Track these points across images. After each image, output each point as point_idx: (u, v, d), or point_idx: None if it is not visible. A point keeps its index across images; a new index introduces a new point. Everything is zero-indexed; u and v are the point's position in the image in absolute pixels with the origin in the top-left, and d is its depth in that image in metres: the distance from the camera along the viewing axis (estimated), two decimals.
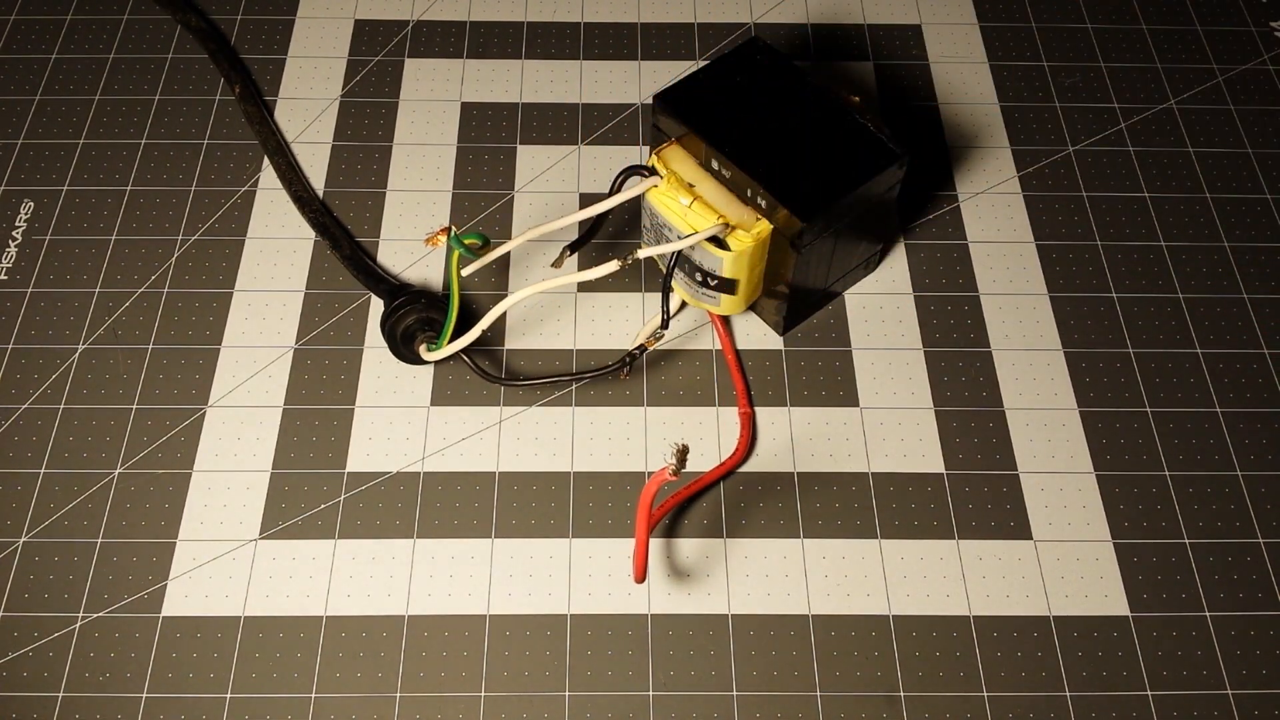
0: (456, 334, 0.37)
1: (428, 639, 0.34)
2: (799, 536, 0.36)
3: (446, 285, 0.38)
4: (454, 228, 0.36)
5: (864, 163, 0.37)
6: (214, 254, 0.42)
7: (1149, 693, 0.34)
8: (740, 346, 0.40)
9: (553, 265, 0.39)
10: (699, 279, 0.38)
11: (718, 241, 0.36)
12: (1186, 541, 0.37)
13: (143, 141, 0.45)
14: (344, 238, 0.42)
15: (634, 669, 0.34)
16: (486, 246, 0.36)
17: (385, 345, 0.40)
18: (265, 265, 0.42)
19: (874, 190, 0.37)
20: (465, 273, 0.38)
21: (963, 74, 0.48)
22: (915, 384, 0.40)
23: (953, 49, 0.49)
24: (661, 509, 0.35)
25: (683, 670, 0.34)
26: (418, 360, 0.39)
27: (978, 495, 0.37)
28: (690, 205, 0.37)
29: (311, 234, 0.43)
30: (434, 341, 0.38)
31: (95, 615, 0.35)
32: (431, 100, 0.47)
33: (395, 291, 0.40)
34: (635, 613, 0.35)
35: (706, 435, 0.38)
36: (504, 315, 0.40)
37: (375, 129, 0.46)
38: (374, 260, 0.42)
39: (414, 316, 0.38)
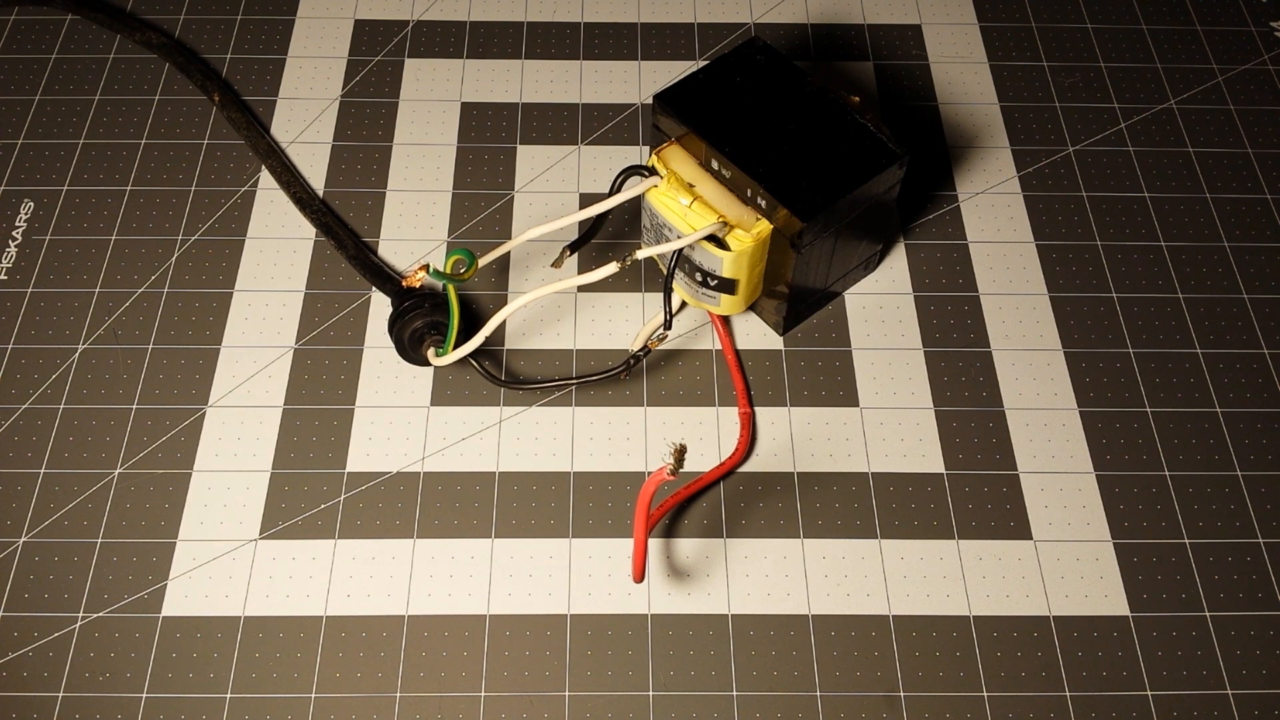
0: (460, 341, 0.37)
1: (428, 639, 0.34)
2: (799, 536, 0.36)
3: (446, 298, 0.38)
4: (431, 264, 0.36)
5: (864, 163, 0.37)
6: (214, 254, 0.42)
7: (1149, 693, 0.34)
8: (740, 346, 0.40)
9: (553, 265, 0.39)
10: (699, 279, 0.38)
11: (718, 241, 0.36)
12: (1186, 541, 0.37)
13: (143, 141, 0.45)
14: (348, 237, 0.42)
15: (634, 669, 0.34)
16: (474, 263, 0.36)
17: (385, 345, 0.40)
18: (265, 265, 0.42)
19: (874, 190, 0.37)
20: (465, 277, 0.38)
21: (963, 74, 0.48)
22: (915, 384, 0.40)
23: (953, 49, 0.49)
24: (661, 509, 0.35)
25: (683, 670, 0.34)
26: (425, 362, 0.39)
27: (978, 495, 0.37)
28: (690, 205, 0.37)
29: (311, 234, 0.43)
30: (441, 345, 0.38)
31: (95, 615, 0.35)
32: (431, 100, 0.47)
33: (402, 291, 0.40)
34: (635, 613, 0.35)
35: (706, 435, 0.38)
36: None
37: (375, 129, 0.46)
38: (378, 258, 0.42)
39: (420, 320, 0.38)
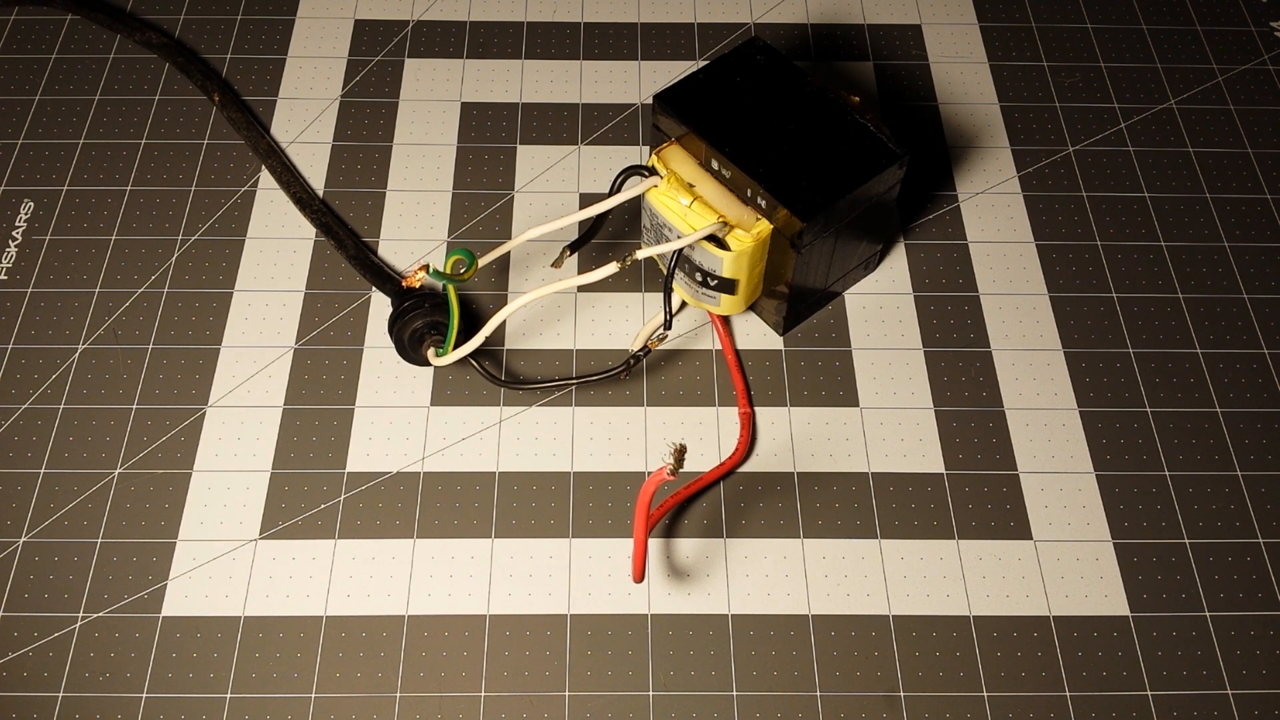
0: (460, 341, 0.37)
1: (428, 639, 0.34)
2: (799, 536, 0.36)
3: (446, 298, 0.38)
4: (431, 264, 0.36)
5: (864, 163, 0.37)
6: (214, 254, 0.42)
7: (1149, 693, 0.34)
8: (740, 346, 0.40)
9: (553, 265, 0.39)
10: (699, 279, 0.38)
11: (718, 241, 0.36)
12: (1186, 541, 0.37)
13: (143, 141, 0.45)
14: (348, 237, 0.42)
15: (634, 669, 0.34)
16: (473, 263, 0.36)
17: (385, 345, 0.40)
18: (265, 265, 0.42)
19: (874, 190, 0.37)
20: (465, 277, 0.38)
21: (963, 74, 0.48)
22: (915, 384, 0.40)
23: (953, 49, 0.49)
24: (661, 509, 0.35)
25: (683, 670, 0.34)
26: (425, 362, 0.39)
27: (978, 495, 0.37)
28: (690, 205, 0.37)
29: (311, 234, 0.43)
30: (441, 345, 0.38)
31: (95, 615, 0.35)
32: (431, 100, 0.47)
33: (402, 291, 0.40)
34: (635, 613, 0.35)
35: (706, 435, 0.38)
36: None
37: (375, 129, 0.46)
38: (378, 258, 0.42)
39: (420, 320, 0.38)
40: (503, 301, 0.41)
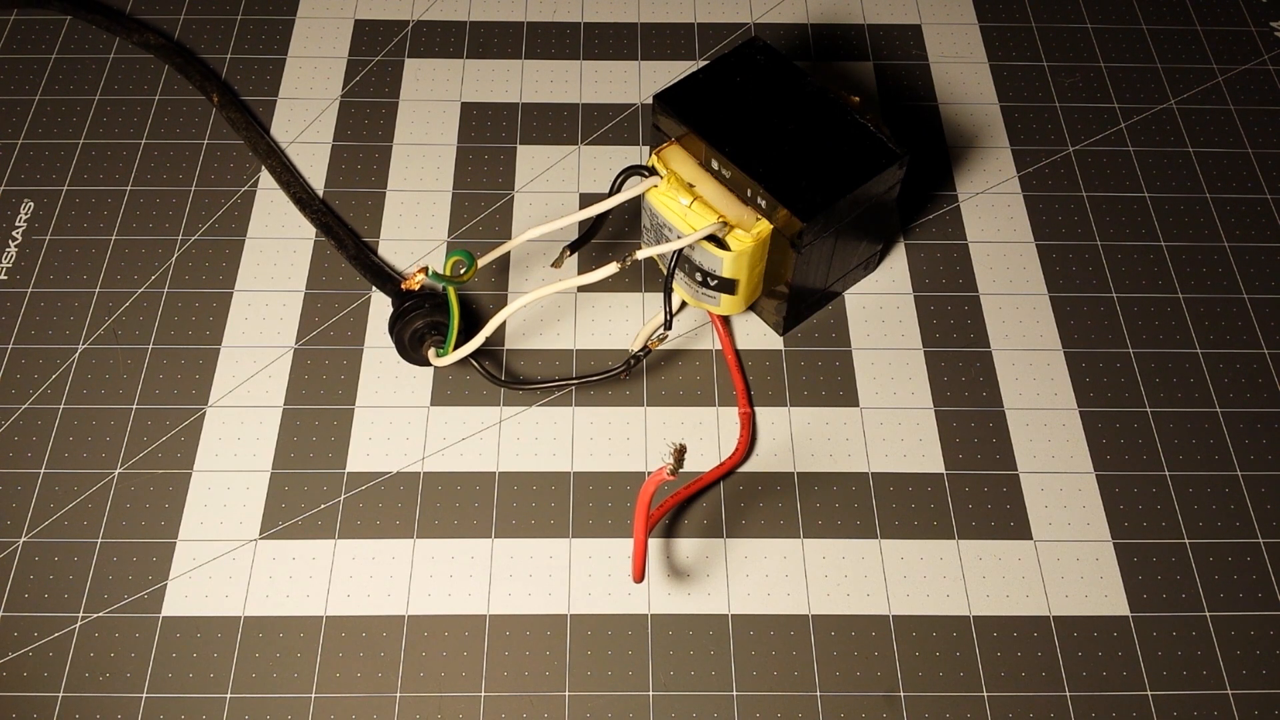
0: (460, 341, 0.37)
1: (428, 639, 0.34)
2: (799, 536, 0.36)
3: (446, 298, 0.38)
4: (430, 266, 0.36)
5: (864, 163, 0.37)
6: (214, 254, 0.42)
7: (1149, 693, 0.34)
8: (740, 346, 0.40)
9: (553, 265, 0.39)
10: (699, 279, 0.38)
11: (718, 241, 0.36)
12: (1186, 541, 0.37)
13: (143, 141, 0.45)
14: (348, 237, 0.42)
15: (634, 669, 0.34)
16: (473, 264, 0.36)
17: (385, 345, 0.40)
18: (265, 265, 0.42)
19: (874, 190, 0.37)
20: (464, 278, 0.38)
21: (963, 74, 0.48)
22: (915, 384, 0.40)
23: (953, 49, 0.49)
24: (661, 509, 0.35)
25: (683, 670, 0.34)
26: (425, 362, 0.39)
27: (978, 495, 0.37)
28: (690, 205, 0.37)
29: (311, 234, 0.43)
30: (441, 346, 0.38)
31: (95, 615, 0.35)
32: (431, 100, 0.47)
33: (402, 291, 0.40)
34: (635, 613, 0.35)
35: (706, 435, 0.38)
36: None
37: (375, 129, 0.46)
38: (378, 258, 0.42)
39: (421, 320, 0.38)
40: (503, 301, 0.41)
